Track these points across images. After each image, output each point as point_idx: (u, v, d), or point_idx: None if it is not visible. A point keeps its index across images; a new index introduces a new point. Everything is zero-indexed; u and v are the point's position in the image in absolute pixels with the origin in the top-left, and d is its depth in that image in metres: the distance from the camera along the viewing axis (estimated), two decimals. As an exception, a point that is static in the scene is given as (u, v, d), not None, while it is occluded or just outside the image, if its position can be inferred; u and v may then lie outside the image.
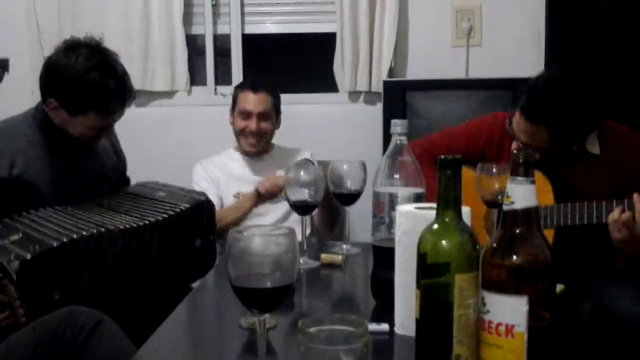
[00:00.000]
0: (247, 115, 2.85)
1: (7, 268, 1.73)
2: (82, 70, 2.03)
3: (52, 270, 1.78)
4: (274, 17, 3.57)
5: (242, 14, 3.51)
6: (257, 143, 2.89)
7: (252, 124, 2.85)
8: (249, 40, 3.55)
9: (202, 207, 2.19)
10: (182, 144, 3.37)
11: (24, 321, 1.71)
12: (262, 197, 2.73)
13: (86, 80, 2.03)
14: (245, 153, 2.94)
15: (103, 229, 1.88)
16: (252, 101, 2.84)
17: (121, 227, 1.92)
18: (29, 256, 1.73)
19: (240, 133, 2.88)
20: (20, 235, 1.85)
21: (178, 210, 2.09)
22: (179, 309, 1.58)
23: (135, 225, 1.96)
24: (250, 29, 3.54)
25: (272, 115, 2.89)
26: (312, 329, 0.94)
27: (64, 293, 1.80)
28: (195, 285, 2.15)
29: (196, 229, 2.17)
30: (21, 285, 1.74)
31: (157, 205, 2.13)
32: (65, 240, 1.79)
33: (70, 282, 1.82)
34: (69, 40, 2.14)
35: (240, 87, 2.93)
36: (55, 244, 1.77)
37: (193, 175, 2.90)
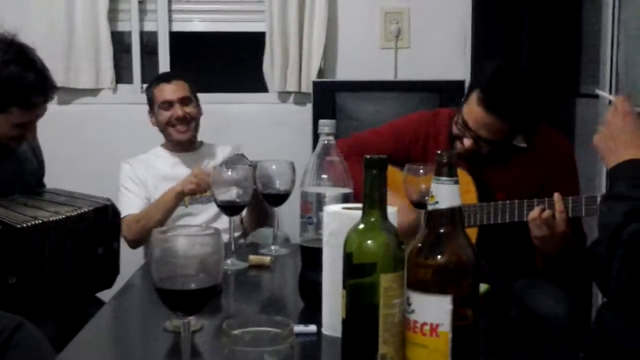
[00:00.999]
0: (169, 104, 2.77)
1: None
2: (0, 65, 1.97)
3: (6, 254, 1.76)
4: (203, 15, 3.54)
5: (170, 11, 3.46)
6: (187, 129, 2.80)
7: (177, 111, 2.77)
8: (176, 38, 3.50)
9: (107, 210, 2.13)
10: (107, 143, 3.29)
11: None
12: (183, 195, 2.62)
13: (4, 74, 1.96)
14: (175, 149, 2.85)
15: (40, 220, 1.87)
16: (169, 90, 2.78)
17: (53, 219, 1.91)
18: None
19: (167, 124, 2.79)
20: None
21: (80, 211, 2.04)
22: (102, 312, 1.55)
23: (45, 220, 1.92)
24: (177, 27, 3.49)
25: (193, 99, 2.84)
26: (236, 331, 0.93)
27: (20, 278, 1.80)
28: (101, 295, 2.13)
29: (99, 235, 2.11)
30: None
31: (61, 207, 2.07)
32: (26, 224, 1.82)
33: (25, 268, 1.80)
34: None
35: (153, 84, 2.86)
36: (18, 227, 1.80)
37: (120, 174, 2.80)
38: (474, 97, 2.10)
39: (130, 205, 2.70)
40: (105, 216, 2.12)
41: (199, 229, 1.09)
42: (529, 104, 2.09)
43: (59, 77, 3.21)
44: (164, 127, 2.81)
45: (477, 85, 2.14)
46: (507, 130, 2.11)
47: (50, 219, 1.93)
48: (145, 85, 3.45)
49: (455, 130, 2.19)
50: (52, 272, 1.96)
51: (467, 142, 2.15)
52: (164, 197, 2.63)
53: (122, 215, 2.49)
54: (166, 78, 2.84)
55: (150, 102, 2.84)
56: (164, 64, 3.46)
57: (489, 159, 2.19)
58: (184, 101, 2.78)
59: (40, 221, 1.89)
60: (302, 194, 1.56)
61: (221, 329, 0.93)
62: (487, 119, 2.08)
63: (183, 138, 2.80)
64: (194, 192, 2.60)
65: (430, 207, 1.06)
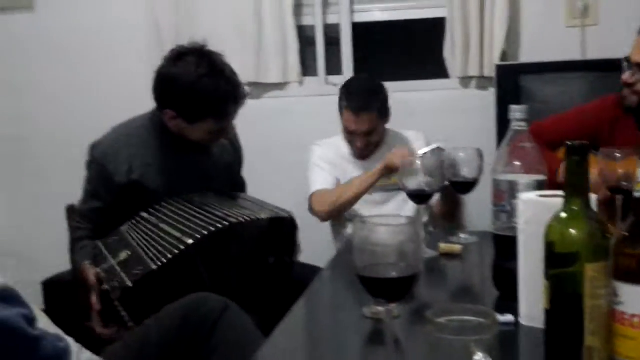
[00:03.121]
0: (352, 133, 2.76)
1: (112, 295, 1.86)
2: (193, 80, 2.07)
3: (154, 288, 1.89)
4: (383, 5, 3.57)
5: (352, 3, 3.51)
6: (365, 151, 2.80)
7: (358, 142, 2.76)
8: (358, 29, 3.56)
9: (283, 222, 2.18)
10: (295, 134, 3.41)
11: None
12: (389, 170, 2.56)
13: (199, 88, 2.07)
14: None
15: (182, 246, 1.95)
16: (355, 123, 2.72)
17: (205, 232, 1.98)
18: (129, 283, 1.84)
19: (349, 141, 2.82)
20: (129, 253, 1.95)
21: (255, 217, 2.10)
22: (301, 300, 1.61)
23: (212, 229, 2.00)
24: (359, 18, 3.55)
25: (379, 125, 2.77)
26: (441, 319, 0.95)
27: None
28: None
29: (272, 245, 2.16)
30: (127, 308, 1.88)
31: (239, 211, 2.14)
32: (163, 261, 1.90)
33: (174, 292, 1.88)
34: (175, 49, 2.18)
35: (344, 102, 2.76)
36: (153, 267, 1.89)
37: (310, 155, 2.85)
38: None
39: (321, 181, 2.75)
40: (279, 228, 2.17)
41: (397, 218, 1.12)
42: None
43: (249, 73, 3.39)
44: (345, 137, 2.83)
45: None
46: None
47: (215, 227, 2.01)
48: (329, 77, 3.56)
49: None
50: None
51: None
52: (352, 181, 2.68)
53: (312, 191, 2.68)
54: (356, 110, 2.71)
55: (340, 107, 2.80)
56: (346, 55, 3.53)
57: None
58: (367, 133, 2.74)
59: (204, 234, 1.98)
60: (493, 182, 1.55)
61: (425, 317, 0.95)
62: None
63: (361, 157, 2.83)
64: (394, 169, 2.49)
65: (637, 194, 1.02)
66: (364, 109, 2.71)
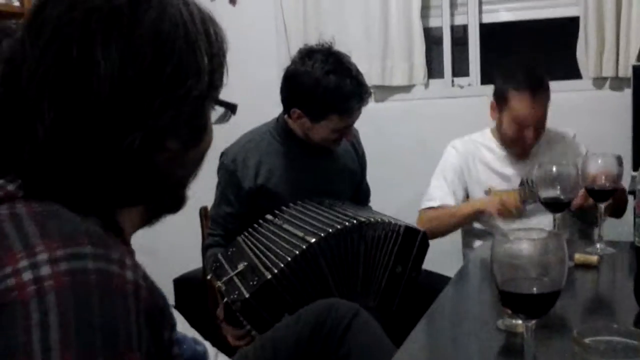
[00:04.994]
0: (522, 123, 2.38)
1: (234, 307, 1.89)
2: (319, 76, 2.11)
3: (273, 299, 1.91)
4: (513, 4, 3.47)
5: (480, 3, 3.45)
6: (528, 150, 2.49)
7: (529, 135, 2.39)
8: (485, 29, 3.49)
9: (417, 236, 2.15)
10: (420, 138, 3.39)
11: None
12: (483, 213, 2.40)
13: (325, 84, 2.11)
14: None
15: (305, 246, 1.95)
16: (531, 108, 2.35)
17: (323, 234, 1.98)
18: (248, 295, 1.87)
19: (510, 140, 2.47)
20: (245, 264, 1.99)
21: (392, 221, 2.10)
22: (431, 309, 1.60)
23: (339, 227, 2.00)
24: (487, 18, 3.48)
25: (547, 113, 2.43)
26: (588, 340, 0.91)
27: (293, 313, 1.87)
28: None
29: (402, 255, 2.14)
30: (249, 319, 1.92)
31: (373, 213, 2.16)
32: (277, 270, 1.91)
33: (296, 300, 1.92)
34: (303, 49, 2.24)
35: (513, 85, 2.37)
36: (268, 277, 1.90)
37: (443, 158, 2.63)
38: None
39: (434, 196, 2.56)
40: (413, 240, 2.15)
41: (540, 232, 1.09)
42: None
43: (375, 76, 3.40)
44: (506, 138, 2.49)
45: None
46: None
47: (342, 225, 2.02)
48: (456, 79, 3.51)
49: None
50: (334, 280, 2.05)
51: None
52: (463, 208, 2.49)
53: (424, 204, 2.55)
54: (533, 89, 2.34)
55: (503, 98, 2.41)
56: (474, 57, 3.47)
57: None
58: (540, 124, 2.41)
59: (329, 232, 1.98)
60: (638, 192, 1.48)
61: (572, 337, 0.92)
62: None
63: (524, 155, 2.51)
64: (485, 214, 2.42)
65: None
66: (541, 86, 2.35)
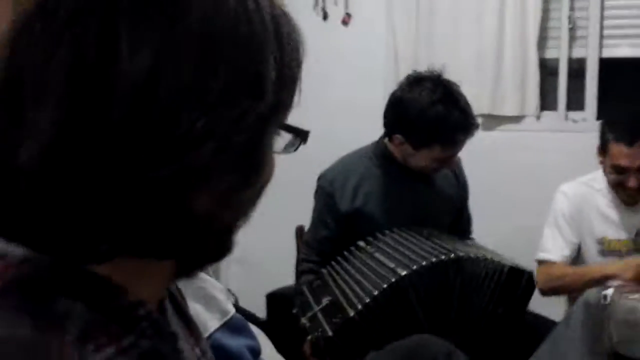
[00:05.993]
0: (621, 170, 2.31)
1: (319, 344, 1.86)
2: (426, 105, 2.07)
3: (357, 337, 1.86)
4: (636, 40, 3.31)
5: (601, 37, 3.30)
6: (632, 197, 2.38)
7: (631, 181, 2.30)
8: (605, 64, 3.34)
9: (522, 276, 2.07)
10: (529, 171, 3.28)
11: None
12: (611, 278, 2.18)
13: (431, 114, 2.07)
14: None
15: (394, 279, 1.89)
16: (628, 156, 2.27)
17: (416, 267, 1.92)
18: (330, 333, 1.84)
19: (616, 186, 2.38)
20: (329, 299, 1.96)
21: (495, 260, 2.02)
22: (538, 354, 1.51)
23: (436, 260, 1.93)
24: (608, 53, 3.33)
25: None
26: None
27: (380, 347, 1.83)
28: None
29: (505, 295, 2.05)
30: (334, 356, 1.87)
31: (473, 248, 2.09)
32: (362, 306, 1.85)
33: (382, 337, 1.85)
34: (411, 75, 2.22)
35: (612, 135, 2.32)
36: (351, 314, 1.85)
37: (554, 206, 2.50)
38: None
39: (554, 250, 2.41)
40: (518, 281, 2.07)
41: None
42: None
43: (485, 104, 3.32)
44: (611, 186, 2.42)
45: None
46: None
47: (439, 259, 1.96)
48: (570, 113, 3.38)
49: None
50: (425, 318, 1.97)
51: None
52: (592, 272, 2.31)
53: (540, 256, 2.41)
54: (630, 139, 2.27)
55: (603, 142, 2.37)
56: (590, 92, 3.33)
57: None
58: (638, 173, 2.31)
59: (423, 264, 1.92)
60: None
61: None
62: None
63: (631, 202, 2.41)
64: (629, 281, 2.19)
65: None
66: (638, 137, 2.28)
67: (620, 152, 2.29)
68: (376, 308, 1.87)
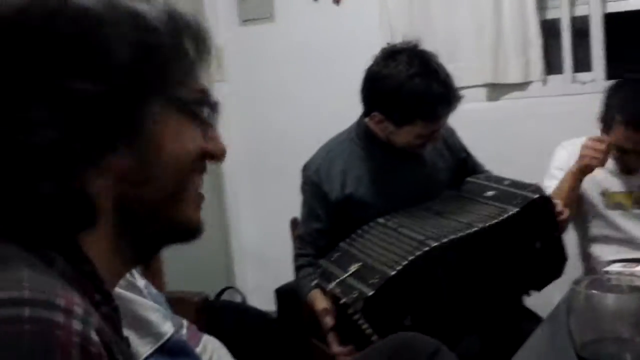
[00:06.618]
0: (623, 150, 2.29)
1: (354, 307, 1.77)
2: (403, 79, 1.96)
3: (396, 298, 1.77)
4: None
5: (604, -9, 3.15)
6: (633, 170, 2.36)
7: (630, 161, 2.32)
8: (610, 20, 3.18)
9: (536, 206, 1.99)
10: (537, 138, 3.14)
11: None
12: (584, 169, 2.29)
13: (409, 88, 1.96)
14: None
15: (427, 248, 1.82)
16: (635, 141, 2.23)
17: (445, 239, 1.85)
18: (370, 292, 1.74)
19: (616, 158, 2.36)
20: (359, 265, 1.87)
21: (505, 216, 1.94)
22: (534, 336, 1.43)
23: (458, 235, 1.87)
24: (613, 8, 3.17)
25: None
26: None
27: (414, 317, 1.78)
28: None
29: (533, 231, 2.00)
30: (371, 320, 1.76)
31: (483, 209, 2.00)
32: (399, 267, 1.77)
33: (416, 304, 1.79)
34: (386, 48, 2.10)
35: (620, 116, 2.24)
36: (392, 273, 1.75)
37: (552, 159, 2.53)
38: None
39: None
40: (535, 211, 2.00)
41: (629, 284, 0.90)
42: None
43: (488, 74, 3.20)
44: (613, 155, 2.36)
45: None
46: None
47: (464, 233, 1.89)
48: (577, 75, 3.24)
49: None
50: (474, 285, 1.92)
51: None
52: (561, 181, 2.37)
53: None
54: (636, 124, 2.19)
55: (608, 120, 2.30)
56: (597, 50, 3.17)
57: None
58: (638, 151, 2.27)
59: (452, 238, 1.86)
60: None
61: None
62: None
63: (627, 172, 2.38)
64: (590, 169, 2.30)
65: None
66: None
67: (627, 137, 2.23)
68: (412, 272, 1.80)
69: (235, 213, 3.93)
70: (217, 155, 0.78)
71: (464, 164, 2.36)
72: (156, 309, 1.13)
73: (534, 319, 2.05)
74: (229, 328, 2.89)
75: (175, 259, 3.17)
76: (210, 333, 2.09)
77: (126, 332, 1.04)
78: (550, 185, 2.41)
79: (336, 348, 1.95)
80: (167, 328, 1.13)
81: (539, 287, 2.09)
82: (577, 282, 0.88)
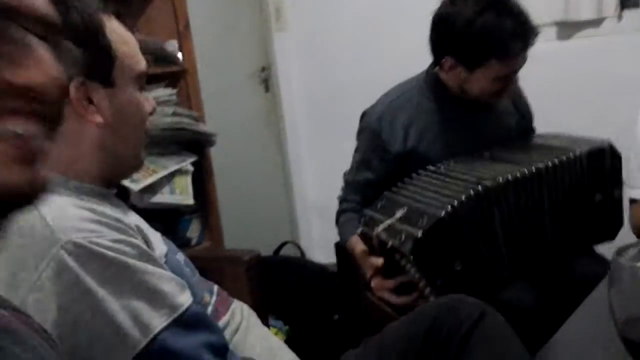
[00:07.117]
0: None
1: (402, 249, 1.68)
2: (473, 14, 1.84)
3: (446, 241, 1.67)
4: None
5: None
6: None
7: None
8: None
9: (603, 154, 1.87)
10: (613, 78, 2.94)
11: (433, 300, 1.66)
12: None
13: (480, 24, 1.83)
14: None
15: (481, 188, 1.72)
16: None
17: (501, 179, 1.75)
18: (419, 234, 1.65)
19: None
20: (405, 209, 1.78)
21: (571, 155, 1.83)
22: (579, 310, 1.31)
23: (518, 175, 1.76)
24: None
25: None
26: None
27: (465, 261, 1.69)
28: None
29: (596, 181, 1.88)
30: (420, 264, 1.68)
31: (545, 153, 1.88)
32: (450, 207, 1.67)
33: (467, 248, 1.70)
34: None
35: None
36: (442, 214, 1.65)
37: (637, 128, 2.09)
38: None
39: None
40: (601, 160, 1.88)
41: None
42: None
43: (557, 11, 3.01)
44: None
45: None
46: None
47: (525, 171, 1.79)
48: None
49: None
50: (508, 235, 1.81)
51: None
52: None
53: (633, 196, 2.04)
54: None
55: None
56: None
57: None
58: None
59: (508, 178, 1.76)
60: None
61: None
62: None
63: None
64: None
65: None
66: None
67: None
68: (465, 213, 1.71)
69: (297, 166, 3.87)
70: None
71: (526, 129, 2.26)
72: (169, 278, 1.06)
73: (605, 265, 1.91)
74: (287, 283, 2.86)
75: (238, 215, 3.18)
76: (266, 290, 2.05)
77: (138, 304, 0.99)
78: (636, 168, 1.97)
79: (392, 299, 1.85)
80: (183, 299, 1.06)
81: (589, 244, 1.99)
82: (619, 252, 0.76)
